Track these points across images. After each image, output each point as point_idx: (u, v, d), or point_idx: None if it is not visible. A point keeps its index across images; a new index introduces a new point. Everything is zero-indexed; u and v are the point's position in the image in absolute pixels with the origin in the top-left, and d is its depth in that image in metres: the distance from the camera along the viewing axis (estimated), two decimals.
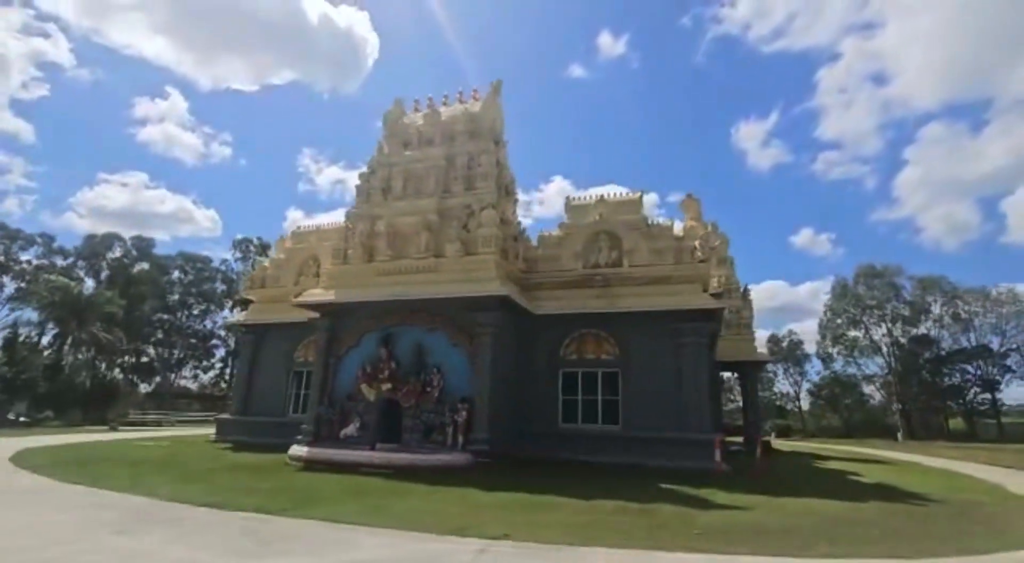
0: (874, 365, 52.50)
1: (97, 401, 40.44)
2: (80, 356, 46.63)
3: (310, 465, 13.12)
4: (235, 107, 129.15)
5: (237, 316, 21.79)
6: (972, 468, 20.24)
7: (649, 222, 16.45)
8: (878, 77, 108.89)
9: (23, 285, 47.99)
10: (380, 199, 17.02)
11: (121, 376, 59.11)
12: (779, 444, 38.64)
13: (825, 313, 53.00)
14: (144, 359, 62.08)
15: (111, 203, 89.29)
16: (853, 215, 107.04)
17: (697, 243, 15.42)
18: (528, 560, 5.95)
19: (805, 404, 62.92)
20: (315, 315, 16.57)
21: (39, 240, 58.90)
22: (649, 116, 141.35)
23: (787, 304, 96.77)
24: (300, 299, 16.20)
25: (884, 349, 50.16)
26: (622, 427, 15.12)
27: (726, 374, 36.11)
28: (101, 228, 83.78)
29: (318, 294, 16.23)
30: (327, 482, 11.01)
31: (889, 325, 50.06)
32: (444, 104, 18.94)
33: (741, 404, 32.15)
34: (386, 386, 14.98)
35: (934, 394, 46.84)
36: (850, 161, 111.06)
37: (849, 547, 6.84)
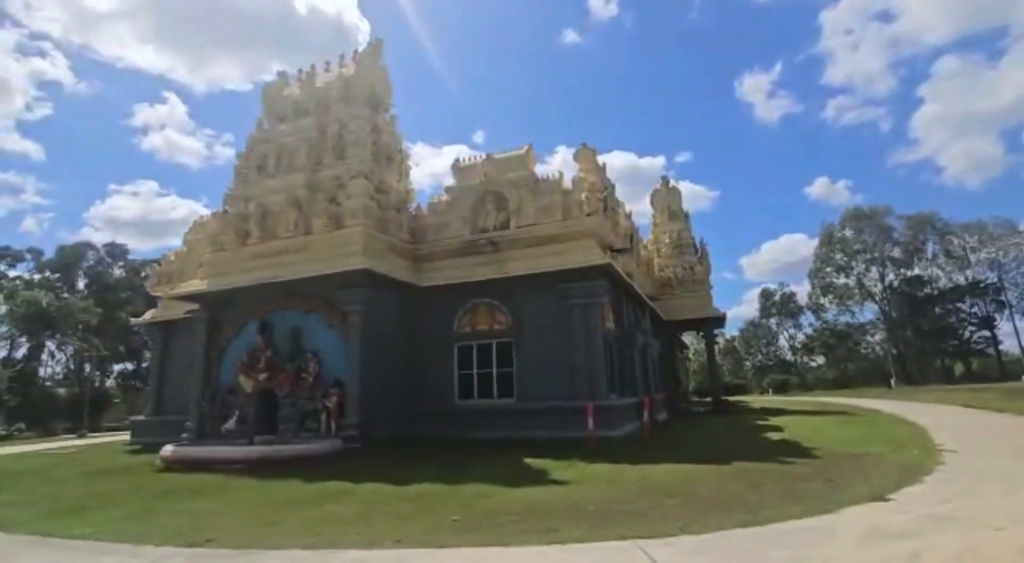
0: (869, 312, 50.77)
1: (83, 410, 40.68)
2: (60, 367, 47.11)
3: (171, 465, 12.39)
4: (233, 107, 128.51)
5: (147, 315, 21.04)
6: (935, 412, 19.05)
7: (537, 178, 15.15)
8: (884, 14, 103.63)
9: None
10: (255, 178, 15.95)
11: (119, 382, 59.80)
12: (762, 400, 37.63)
13: (814, 262, 51.10)
14: (145, 364, 62.70)
15: (124, 214, 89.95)
16: (870, 160, 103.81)
17: (584, 196, 14.13)
18: None
19: (802, 357, 61.57)
20: (194, 306, 15.74)
21: (28, 255, 59.12)
22: (649, 77, 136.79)
23: (807, 257, 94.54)
24: (174, 292, 15.39)
25: (877, 295, 48.23)
26: (516, 399, 14.15)
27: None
28: (117, 239, 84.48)
29: (193, 285, 15.37)
30: (152, 483, 10.26)
31: (880, 269, 48.02)
32: (327, 71, 17.63)
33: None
34: (263, 376, 14.17)
35: (928, 337, 45.02)
36: (862, 105, 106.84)
37: (615, 526, 5.83)
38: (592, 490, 7.71)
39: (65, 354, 50.18)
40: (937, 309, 45.20)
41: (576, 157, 15.80)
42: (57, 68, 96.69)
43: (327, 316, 13.99)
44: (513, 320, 14.59)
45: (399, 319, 14.86)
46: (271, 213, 15.09)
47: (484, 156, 15.96)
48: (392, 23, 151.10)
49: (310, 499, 8.09)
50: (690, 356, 50.15)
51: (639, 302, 19.04)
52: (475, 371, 14.83)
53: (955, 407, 20.98)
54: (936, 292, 45.94)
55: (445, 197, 16.10)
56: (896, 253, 47.03)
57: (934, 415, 18.13)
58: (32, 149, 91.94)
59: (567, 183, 14.90)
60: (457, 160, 16.38)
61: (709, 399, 28.97)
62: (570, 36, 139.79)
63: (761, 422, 18.04)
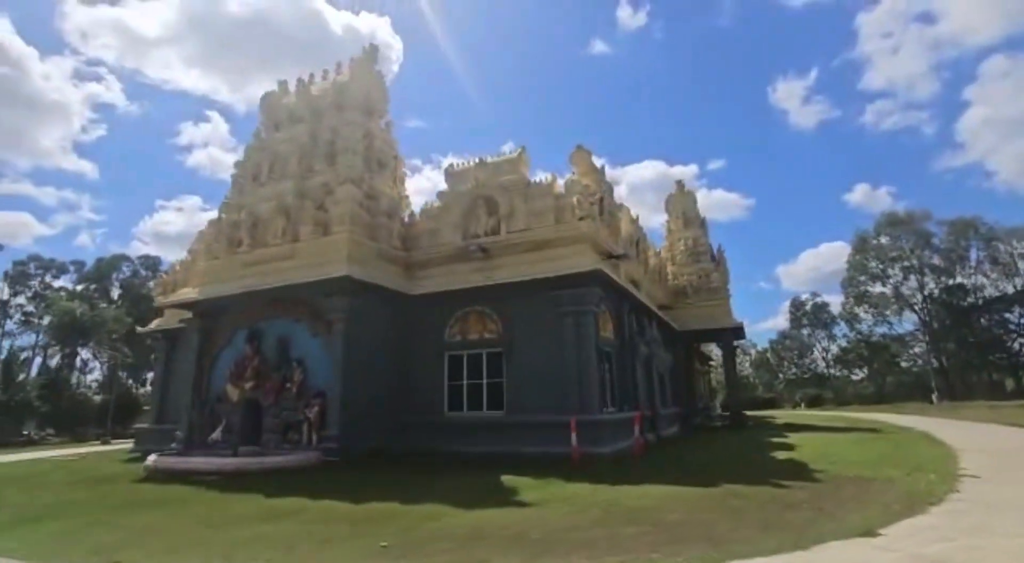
0: (908, 323, 47.96)
1: (116, 416, 41.75)
2: (96, 375, 48.71)
3: (152, 475, 12.24)
4: None
5: (152, 324, 21.27)
6: (972, 431, 17.56)
7: (529, 182, 14.63)
8: (925, 16, 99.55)
9: (33, 310, 50.15)
10: (249, 187, 15.95)
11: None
12: (790, 415, 35.79)
13: (847, 270, 48.66)
14: None
15: (170, 228, 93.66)
16: (913, 165, 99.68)
17: (576, 199, 13.53)
18: None
19: (840, 370, 58.74)
20: (188, 315, 15.74)
21: (71, 267, 61.81)
22: (679, 85, 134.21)
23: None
24: (166, 301, 15.43)
25: (916, 304, 45.51)
26: (506, 412, 13.53)
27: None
28: (163, 253, 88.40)
29: (185, 294, 15.37)
30: (122, 494, 10.07)
31: (919, 277, 45.32)
32: (324, 78, 17.60)
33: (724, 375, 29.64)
34: (249, 385, 13.98)
35: (973, 349, 42.10)
36: (904, 109, 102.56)
37: (551, 559, 5.20)
38: (551, 514, 7.06)
39: (100, 362, 52.03)
40: (982, 320, 42.32)
41: (571, 160, 15.21)
42: (111, 92, 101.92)
43: (313, 324, 13.72)
44: (504, 329, 14.03)
45: (388, 327, 14.48)
46: (261, 221, 15.00)
47: (477, 160, 15.55)
48: (423, 39, 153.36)
49: (256, 516, 7.68)
50: (717, 367, 48.38)
51: (645, 311, 18.20)
52: (465, 382, 14.30)
53: (998, 426, 19.34)
54: (981, 301, 43.05)
55: (438, 203, 15.73)
56: (936, 260, 44.35)
57: (970, 434, 16.68)
58: (88, 168, 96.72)
59: (560, 187, 14.32)
60: (451, 165, 16.01)
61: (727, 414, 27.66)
62: (598, 46, 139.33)
63: (776, 439, 16.90)
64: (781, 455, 12.51)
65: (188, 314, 17.87)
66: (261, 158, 16.09)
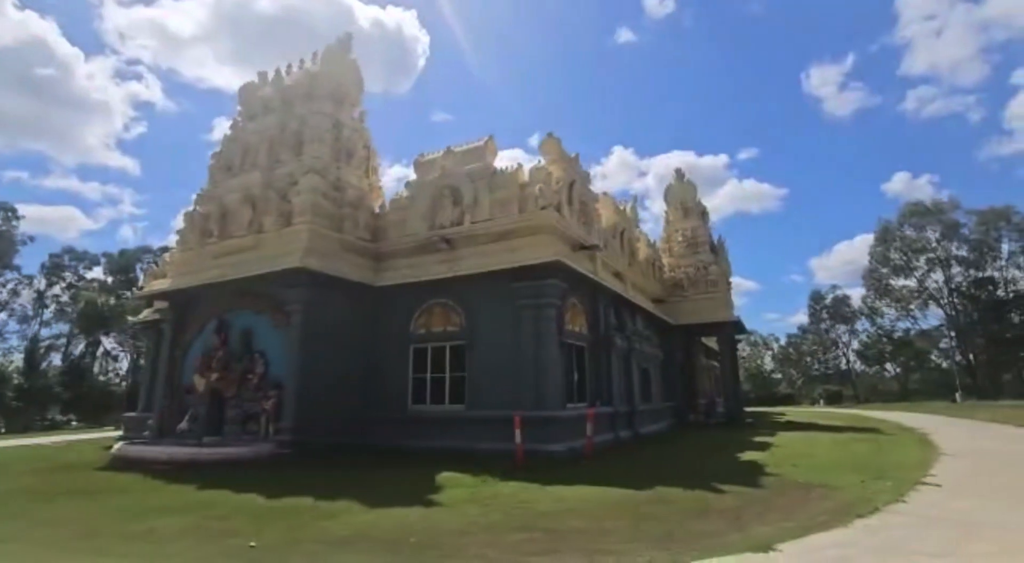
0: (934, 317, 45.71)
1: (131, 403, 43.15)
2: (123, 364, 50.37)
3: (114, 463, 12.40)
4: None
5: (143, 313, 21.59)
6: (979, 433, 16.61)
7: (495, 171, 14.21)
8: None
9: (67, 300, 51.96)
10: (221, 178, 15.96)
11: None
12: (801, 412, 34.58)
13: (869, 262, 46.56)
14: None
15: None
16: (958, 153, 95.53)
17: (538, 188, 13.06)
18: None
19: (867, 367, 56.65)
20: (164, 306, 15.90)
21: (102, 259, 63.88)
22: (709, 74, 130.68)
23: None
24: (141, 292, 15.60)
25: (943, 299, 43.26)
26: (467, 407, 13.26)
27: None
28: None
29: (157, 285, 15.52)
30: (67, 483, 10.12)
31: (945, 270, 43.02)
32: (301, 67, 17.43)
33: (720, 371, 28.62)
34: (214, 376, 14.03)
35: (1005, 345, 39.86)
36: (948, 94, 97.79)
37: None
38: (450, 516, 6.75)
39: (123, 351, 53.82)
40: (1013, 315, 40.00)
41: (541, 148, 14.70)
42: (150, 90, 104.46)
43: (274, 316, 13.65)
44: (467, 322, 13.72)
45: (352, 320, 14.32)
46: (230, 212, 14.99)
47: (445, 149, 15.19)
48: (448, 32, 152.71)
49: (170, 509, 7.57)
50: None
51: (627, 304, 17.64)
52: (429, 375, 14.07)
53: (1013, 427, 18.15)
54: (1012, 295, 40.65)
55: (405, 193, 15.46)
56: (964, 252, 42.03)
57: (973, 436, 15.79)
58: (129, 164, 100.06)
59: (526, 176, 13.85)
60: (420, 155, 15.70)
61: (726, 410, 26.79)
62: (625, 35, 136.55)
63: (760, 438, 16.19)
64: (747, 456, 11.91)
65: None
66: (234, 149, 16.07)
